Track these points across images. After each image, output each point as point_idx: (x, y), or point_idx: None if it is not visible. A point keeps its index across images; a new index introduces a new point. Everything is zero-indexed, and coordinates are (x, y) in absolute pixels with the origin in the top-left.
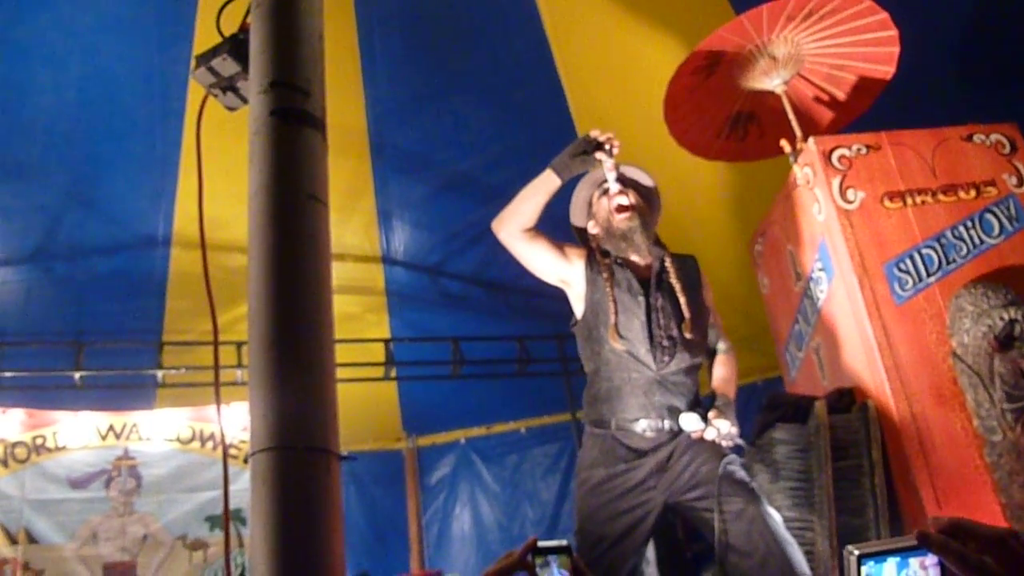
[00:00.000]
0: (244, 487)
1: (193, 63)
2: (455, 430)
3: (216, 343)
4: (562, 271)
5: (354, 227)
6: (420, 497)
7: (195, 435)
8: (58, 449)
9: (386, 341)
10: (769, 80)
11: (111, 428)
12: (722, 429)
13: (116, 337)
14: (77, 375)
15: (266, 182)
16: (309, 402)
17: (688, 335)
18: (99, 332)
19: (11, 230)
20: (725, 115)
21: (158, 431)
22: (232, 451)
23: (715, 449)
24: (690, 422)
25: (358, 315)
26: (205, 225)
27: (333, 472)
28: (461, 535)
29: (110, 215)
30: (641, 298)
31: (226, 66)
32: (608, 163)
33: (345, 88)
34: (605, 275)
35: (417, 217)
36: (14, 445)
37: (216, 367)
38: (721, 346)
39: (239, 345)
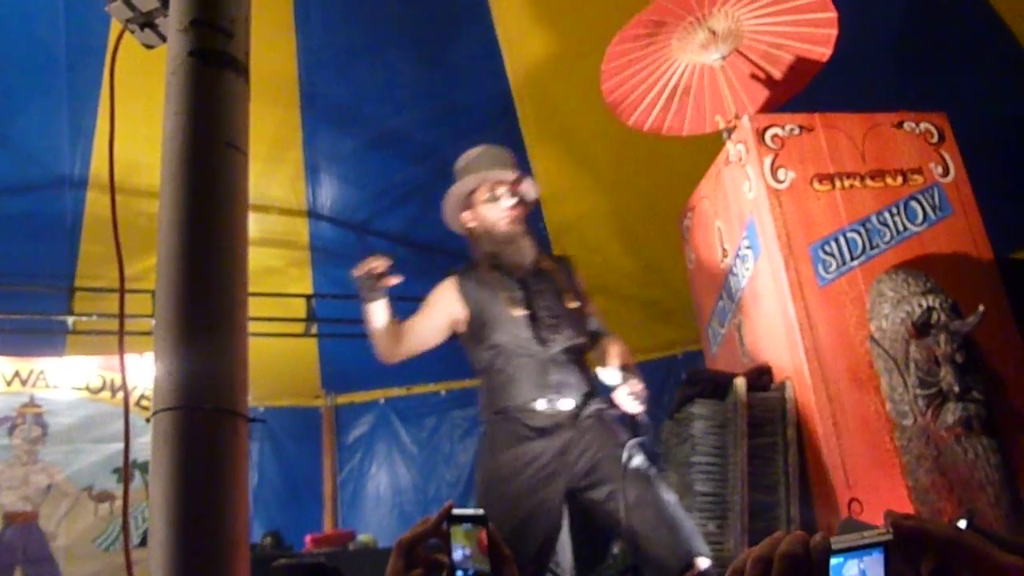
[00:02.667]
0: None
1: None
2: (375, 389)
3: (122, 291)
4: (449, 326)
5: (280, 179)
6: (336, 456)
7: (105, 384)
8: None
9: (308, 297)
10: (707, 54)
11: (16, 374)
12: (635, 386)
13: (25, 280)
14: None
15: (182, 126)
16: (218, 361)
17: (570, 306)
18: (6, 274)
19: None
20: (663, 87)
21: (66, 379)
22: (144, 402)
23: (612, 435)
24: (610, 376)
25: (280, 269)
26: (121, 169)
27: (240, 434)
28: (376, 496)
29: (22, 152)
30: (519, 289)
31: (144, 1)
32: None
33: (276, 34)
34: (482, 275)
35: (345, 172)
36: None
37: (121, 316)
38: (604, 331)
39: (154, 294)
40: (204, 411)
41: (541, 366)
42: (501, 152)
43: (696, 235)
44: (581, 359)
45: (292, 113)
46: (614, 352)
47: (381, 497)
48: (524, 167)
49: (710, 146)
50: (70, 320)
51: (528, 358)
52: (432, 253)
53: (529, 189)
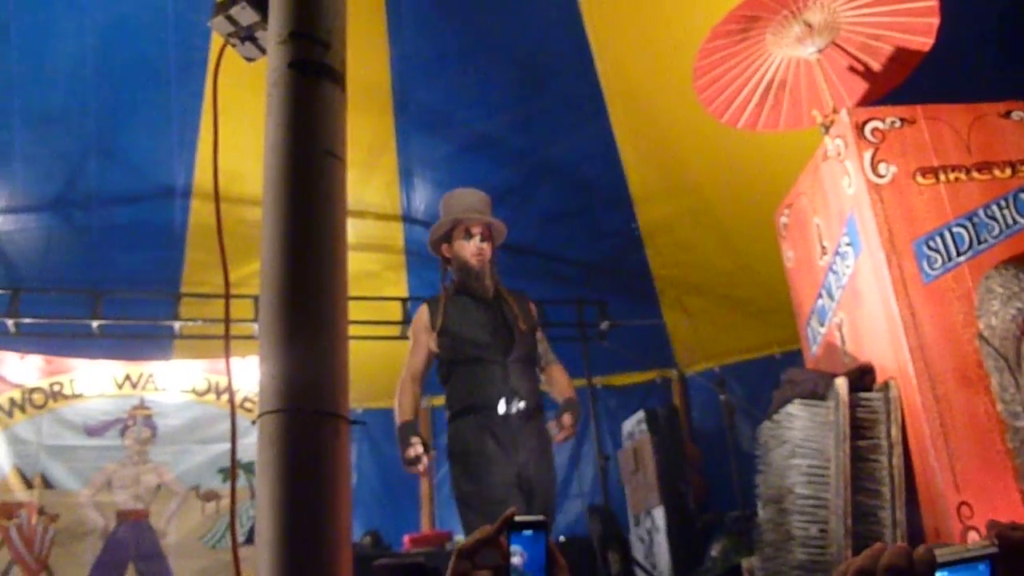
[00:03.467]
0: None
1: (212, 10)
2: None
3: (227, 296)
4: (430, 350)
5: (375, 184)
6: (432, 457)
7: (211, 387)
8: (75, 396)
9: (403, 300)
10: (803, 48)
11: (127, 377)
12: (566, 420)
13: (134, 287)
14: (95, 324)
15: (283, 136)
16: (320, 364)
17: (522, 327)
18: (117, 281)
19: (33, 177)
20: (757, 82)
21: (174, 382)
22: (247, 404)
23: (542, 431)
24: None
25: (377, 273)
26: (224, 178)
27: (342, 436)
28: None
29: (131, 164)
30: (483, 308)
31: (245, 15)
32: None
33: (369, 43)
34: (453, 299)
35: (439, 176)
36: (32, 391)
37: (227, 320)
38: (552, 358)
39: (256, 299)
40: (307, 413)
41: (502, 372)
42: (482, 197)
43: (794, 232)
44: (533, 372)
45: (386, 119)
46: (560, 385)
47: None
48: (614, 167)
49: (807, 142)
50: (177, 325)
51: (494, 365)
52: (525, 254)
53: (499, 234)
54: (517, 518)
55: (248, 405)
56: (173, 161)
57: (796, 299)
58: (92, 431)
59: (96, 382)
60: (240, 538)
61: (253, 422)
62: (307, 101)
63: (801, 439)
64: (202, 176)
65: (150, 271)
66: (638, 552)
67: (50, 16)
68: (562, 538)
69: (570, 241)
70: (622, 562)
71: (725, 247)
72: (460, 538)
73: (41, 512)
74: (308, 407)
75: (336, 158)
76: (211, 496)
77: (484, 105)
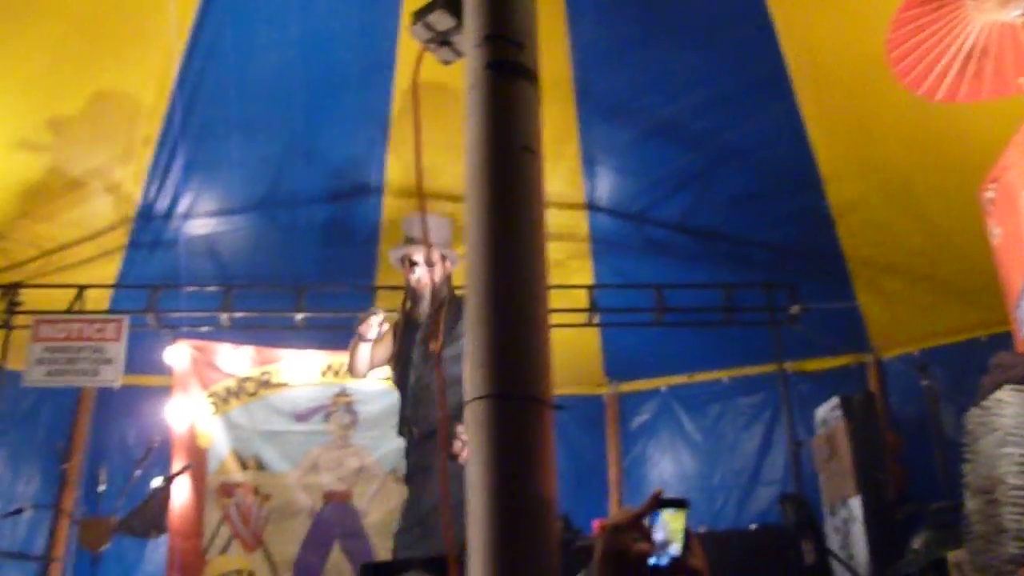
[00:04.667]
0: None
1: (410, 19)
2: (656, 377)
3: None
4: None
5: (559, 174)
6: (620, 443)
7: None
8: (282, 385)
9: (590, 287)
10: (1007, 11)
11: (329, 367)
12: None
13: (332, 280)
14: (299, 316)
15: (482, 135)
16: (524, 351)
17: (439, 353)
18: (316, 276)
19: (241, 181)
20: (956, 51)
21: (372, 371)
22: None
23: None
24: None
25: (562, 261)
26: (414, 173)
27: (546, 421)
28: (660, 483)
29: (328, 165)
30: (417, 331)
31: (441, 21)
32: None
33: (551, 33)
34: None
35: (622, 163)
36: (244, 380)
37: (439, 316)
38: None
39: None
40: (515, 399)
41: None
42: (435, 223)
43: (1001, 208)
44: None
45: (568, 109)
46: None
47: (665, 485)
48: (801, 146)
49: (1013, 111)
50: None
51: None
52: (712, 239)
53: (438, 262)
54: (664, 497)
55: None
56: (366, 161)
57: (1004, 278)
58: (300, 417)
59: (301, 371)
60: None
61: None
62: (504, 100)
63: (1013, 426)
64: (393, 173)
65: (347, 265)
66: (833, 542)
67: (252, 33)
68: (753, 526)
69: (757, 224)
70: (816, 552)
71: (923, 225)
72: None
73: (256, 492)
74: (514, 393)
75: (532, 153)
76: None
77: (665, 90)
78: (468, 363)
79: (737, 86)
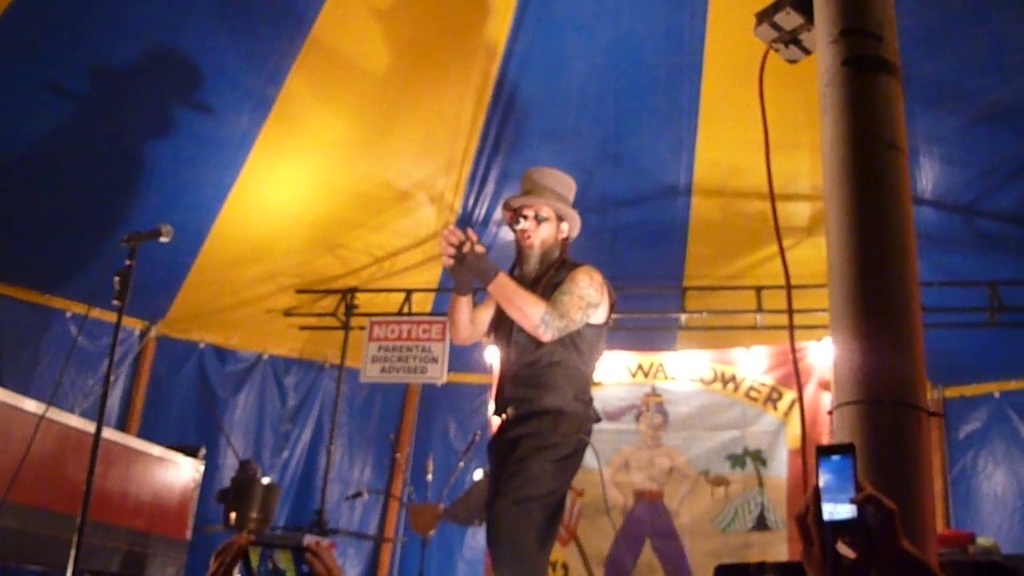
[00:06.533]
0: (763, 429)
1: (754, 20)
2: (988, 382)
3: (788, 287)
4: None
5: None
6: (946, 453)
7: (716, 376)
8: (594, 384)
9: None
10: None
11: (639, 367)
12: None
13: (641, 282)
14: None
15: (843, 133)
16: (896, 356)
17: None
18: (626, 277)
19: None
20: None
21: (682, 371)
22: (753, 393)
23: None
24: None
25: None
26: (723, 172)
27: (923, 428)
28: (993, 497)
29: (636, 167)
30: None
31: (789, 19)
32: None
33: None
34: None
35: (948, 152)
36: None
37: (790, 312)
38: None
39: (758, 290)
40: (888, 405)
41: (504, 377)
42: (550, 176)
43: None
44: (538, 370)
45: None
46: None
47: (999, 499)
48: None
49: None
50: (682, 317)
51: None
52: None
53: (552, 219)
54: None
55: (753, 394)
56: (674, 161)
57: None
58: (611, 416)
59: (612, 371)
60: (749, 524)
61: (764, 403)
62: (865, 97)
63: None
64: (702, 173)
65: (655, 266)
66: None
67: (563, 42)
68: None
69: None
70: None
71: None
72: (984, 539)
73: (570, 486)
74: (888, 398)
75: (898, 150)
76: (720, 481)
77: (997, 71)
78: (835, 365)
79: None
